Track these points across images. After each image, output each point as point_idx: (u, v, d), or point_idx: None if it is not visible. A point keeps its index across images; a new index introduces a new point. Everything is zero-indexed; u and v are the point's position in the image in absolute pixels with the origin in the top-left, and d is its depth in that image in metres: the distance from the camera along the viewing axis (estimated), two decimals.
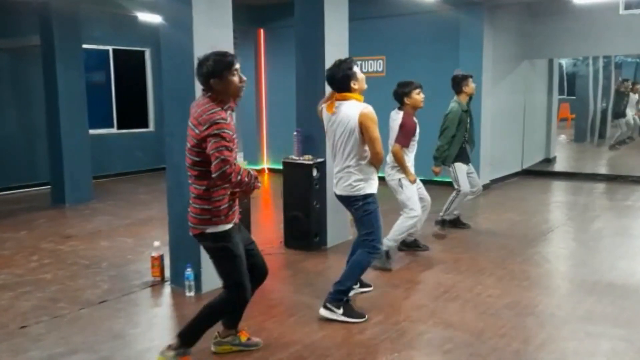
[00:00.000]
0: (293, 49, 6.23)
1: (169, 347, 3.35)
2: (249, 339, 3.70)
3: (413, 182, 5.24)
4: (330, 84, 4.16)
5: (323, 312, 4.14)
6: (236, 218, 3.35)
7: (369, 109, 3.99)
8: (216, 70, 3.11)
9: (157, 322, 4.41)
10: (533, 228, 6.92)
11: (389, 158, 5.24)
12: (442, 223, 6.55)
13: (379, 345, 3.78)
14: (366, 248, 4.17)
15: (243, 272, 3.31)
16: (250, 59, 11.64)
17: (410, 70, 9.32)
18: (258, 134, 11.78)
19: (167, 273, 5.03)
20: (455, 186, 6.42)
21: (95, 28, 10.33)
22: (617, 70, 17.50)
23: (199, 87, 4.51)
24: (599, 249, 6.09)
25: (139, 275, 5.24)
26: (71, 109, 8.48)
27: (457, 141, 6.24)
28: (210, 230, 3.24)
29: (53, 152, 8.60)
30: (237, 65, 3.19)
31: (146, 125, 11.79)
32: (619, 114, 14.55)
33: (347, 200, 4.18)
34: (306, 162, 5.86)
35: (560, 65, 17.07)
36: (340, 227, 6.12)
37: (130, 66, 11.57)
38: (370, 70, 10.15)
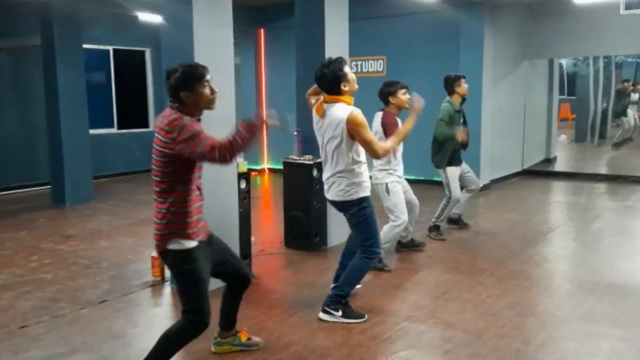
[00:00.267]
0: (293, 49, 6.23)
1: None
2: (249, 338, 3.70)
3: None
4: (318, 84, 4.03)
5: (322, 315, 4.13)
6: (203, 235, 3.14)
7: (355, 113, 3.83)
8: (186, 82, 2.97)
9: (157, 322, 4.40)
10: (533, 228, 6.92)
11: (381, 160, 5.10)
12: (435, 229, 6.44)
13: (379, 345, 3.78)
14: (365, 253, 4.09)
15: (204, 298, 3.09)
16: (251, 59, 11.65)
17: (411, 70, 9.34)
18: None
19: (167, 273, 5.03)
20: (447, 192, 6.32)
21: (96, 28, 10.34)
22: (618, 71, 17.52)
23: None
24: (599, 249, 6.09)
25: (139, 275, 5.24)
26: (71, 109, 8.49)
27: (450, 139, 6.11)
28: (173, 246, 3.01)
29: (53, 152, 8.60)
30: (209, 77, 3.04)
31: (146, 125, 11.79)
32: (621, 113, 14.61)
33: (342, 206, 4.08)
34: (306, 162, 5.86)
35: (561, 66, 17.07)
36: (340, 227, 6.10)
37: (130, 66, 11.57)
38: (370, 70, 10.15)
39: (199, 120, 3.04)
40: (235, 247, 5.01)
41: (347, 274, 4.17)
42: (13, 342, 3.90)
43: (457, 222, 6.75)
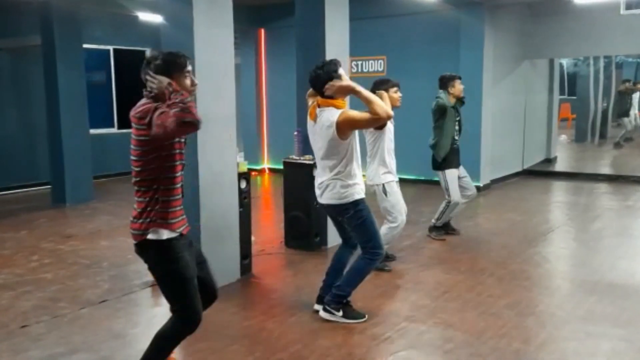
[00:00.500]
0: (294, 49, 6.22)
1: None
2: None
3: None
4: (313, 86, 3.94)
5: (323, 314, 4.13)
6: (184, 228, 3.01)
7: (343, 116, 3.73)
8: (167, 71, 2.86)
9: (157, 322, 4.36)
10: (533, 228, 6.92)
11: (376, 160, 5.09)
12: (435, 229, 6.40)
13: (379, 345, 3.78)
14: (367, 255, 4.04)
15: (193, 295, 2.97)
16: (251, 59, 11.65)
17: (411, 70, 9.36)
18: (258, 134, 11.79)
19: None
20: (446, 196, 6.22)
21: (96, 28, 10.34)
22: (618, 71, 17.54)
23: (200, 87, 4.53)
24: (599, 249, 6.09)
25: (139, 275, 5.24)
26: (72, 108, 8.49)
27: (447, 134, 6.04)
28: (152, 236, 2.88)
29: (53, 152, 8.61)
30: (190, 67, 2.96)
31: None
32: (622, 113, 14.65)
33: (337, 209, 4.00)
34: (307, 162, 5.86)
35: (561, 65, 17.07)
36: None
37: (131, 66, 11.55)
38: (370, 70, 10.16)
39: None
40: (235, 246, 5.02)
41: (349, 274, 4.13)
42: (13, 341, 3.90)
43: (445, 227, 6.51)
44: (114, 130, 11.25)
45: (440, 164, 6.15)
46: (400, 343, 3.79)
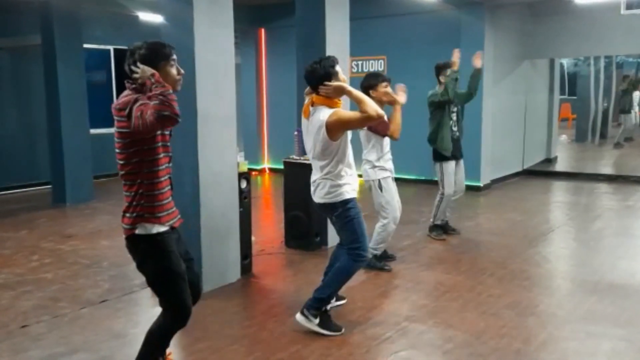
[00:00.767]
0: (294, 49, 6.22)
1: None
2: None
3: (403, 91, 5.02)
4: (308, 80, 3.85)
5: (299, 317, 3.95)
6: (175, 221, 3.00)
7: (333, 116, 3.66)
8: (152, 60, 2.81)
9: None
10: (534, 228, 6.92)
11: (371, 157, 5.10)
12: (435, 228, 6.41)
13: (379, 345, 3.77)
14: (351, 256, 3.92)
15: (184, 291, 2.94)
16: (251, 58, 11.65)
17: (411, 70, 9.35)
18: (259, 133, 11.79)
19: None
20: (440, 188, 6.24)
21: (96, 28, 10.33)
22: (619, 70, 17.54)
23: (200, 87, 4.57)
24: (599, 249, 6.09)
25: (140, 274, 5.18)
26: (72, 108, 8.49)
27: (445, 124, 6.02)
28: (140, 231, 2.88)
29: (54, 151, 8.61)
30: (175, 56, 2.93)
31: None
32: (625, 110, 14.68)
33: (327, 208, 3.94)
34: (307, 162, 5.81)
35: (562, 65, 17.07)
36: None
37: None
38: (371, 70, 10.15)
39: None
40: (235, 246, 5.02)
41: (331, 276, 4.02)
42: (13, 341, 3.90)
43: (445, 227, 6.51)
44: (115, 130, 11.22)
45: (439, 155, 6.16)
46: (400, 343, 3.79)
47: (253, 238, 5.36)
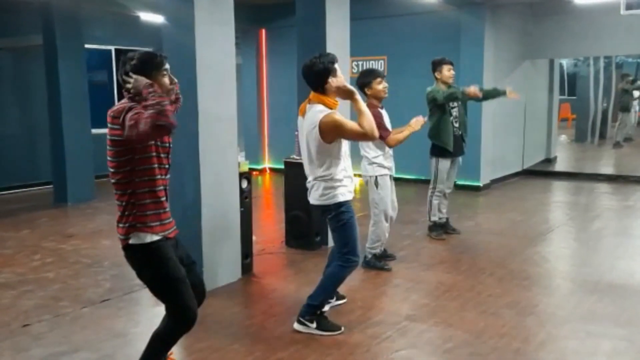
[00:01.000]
0: (295, 49, 6.23)
1: None
2: None
3: (421, 123, 5.06)
4: (306, 76, 3.75)
5: (297, 326, 3.95)
6: (170, 232, 2.99)
7: (327, 118, 3.59)
8: (144, 70, 2.83)
9: (158, 321, 4.34)
10: (533, 228, 6.93)
11: (370, 154, 5.09)
12: (435, 228, 6.40)
13: (380, 344, 3.79)
14: (340, 261, 3.87)
15: (187, 294, 2.93)
16: (252, 58, 11.66)
17: (412, 70, 9.37)
18: (259, 133, 11.80)
19: None
20: (431, 182, 6.25)
21: (98, 28, 10.35)
22: (618, 71, 17.55)
23: (201, 86, 4.58)
24: (599, 249, 6.10)
25: None
26: (73, 108, 8.51)
27: (445, 120, 6.03)
28: (134, 241, 2.89)
29: (55, 151, 8.62)
30: (167, 66, 2.93)
31: None
32: (625, 108, 14.70)
33: (321, 210, 3.90)
34: None
35: (561, 65, 17.08)
36: None
37: None
38: None
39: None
40: (236, 246, 5.03)
41: (322, 281, 4.00)
42: (15, 340, 3.92)
43: (445, 227, 6.50)
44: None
45: (437, 151, 6.16)
46: (400, 342, 3.80)
47: (254, 238, 5.38)
